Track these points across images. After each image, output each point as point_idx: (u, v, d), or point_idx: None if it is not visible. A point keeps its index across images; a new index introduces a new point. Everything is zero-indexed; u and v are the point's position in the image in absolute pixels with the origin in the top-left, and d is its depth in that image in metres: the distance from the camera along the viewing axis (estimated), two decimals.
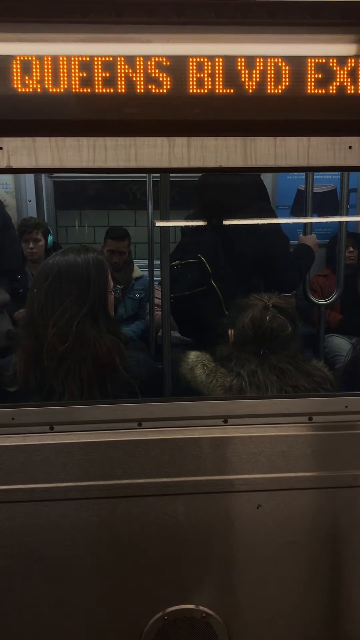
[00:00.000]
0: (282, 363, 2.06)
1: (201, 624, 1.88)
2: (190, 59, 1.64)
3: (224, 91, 1.66)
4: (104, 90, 1.63)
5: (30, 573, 1.81)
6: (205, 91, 1.66)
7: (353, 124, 1.72)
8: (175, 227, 4.05)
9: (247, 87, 1.67)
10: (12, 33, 1.60)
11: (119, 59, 1.61)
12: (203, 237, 3.29)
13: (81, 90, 1.63)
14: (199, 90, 1.65)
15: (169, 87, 1.65)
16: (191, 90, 1.65)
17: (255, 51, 1.66)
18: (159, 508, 1.82)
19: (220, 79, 1.65)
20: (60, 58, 1.60)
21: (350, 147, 1.72)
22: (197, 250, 3.24)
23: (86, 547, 1.82)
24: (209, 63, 1.65)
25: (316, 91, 1.67)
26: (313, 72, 1.67)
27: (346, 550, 1.89)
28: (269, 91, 1.67)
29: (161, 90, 1.65)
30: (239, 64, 1.66)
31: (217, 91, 1.66)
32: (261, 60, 1.66)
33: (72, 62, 1.60)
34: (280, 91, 1.67)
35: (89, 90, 1.63)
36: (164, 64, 1.64)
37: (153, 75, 1.63)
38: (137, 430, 1.79)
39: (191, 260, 3.27)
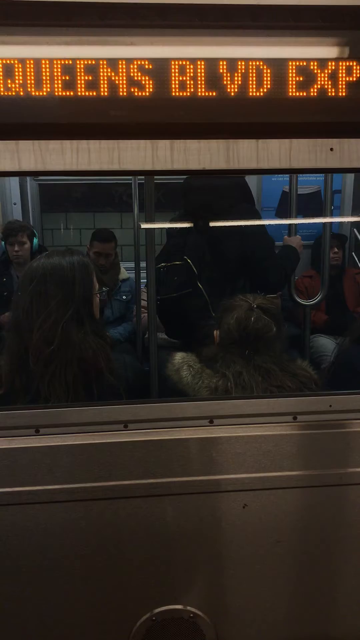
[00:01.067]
0: (267, 364, 2.07)
1: (189, 624, 1.89)
2: (173, 62, 1.65)
3: (206, 94, 1.67)
4: (87, 94, 1.64)
5: (18, 576, 1.80)
6: (188, 94, 1.67)
7: (334, 126, 1.74)
8: (161, 229, 4.07)
9: (229, 89, 1.68)
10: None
11: (101, 62, 1.62)
12: (188, 239, 3.30)
13: (64, 94, 1.64)
14: (181, 93, 1.66)
15: (151, 90, 1.65)
16: (174, 93, 1.66)
17: (237, 54, 1.68)
18: (146, 509, 1.82)
19: (202, 82, 1.66)
20: (43, 61, 1.61)
21: (331, 149, 1.74)
22: (183, 252, 3.25)
23: (73, 550, 1.82)
24: (191, 66, 1.67)
25: (297, 94, 1.69)
26: (294, 74, 1.68)
27: (332, 549, 1.91)
28: (250, 94, 1.69)
29: (144, 93, 1.65)
30: (221, 66, 1.67)
31: (199, 94, 1.67)
32: (243, 63, 1.67)
33: (55, 66, 1.60)
34: (262, 94, 1.69)
35: (71, 94, 1.64)
36: (147, 67, 1.65)
37: (135, 78, 1.64)
38: (123, 432, 1.79)
39: (177, 262, 3.28)
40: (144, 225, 3.05)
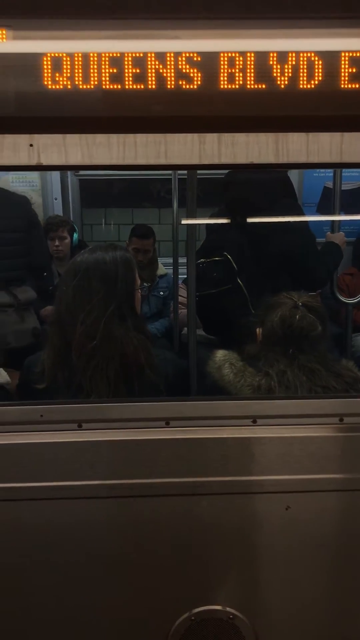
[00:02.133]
0: (312, 363, 2.03)
1: (228, 625, 1.86)
2: (222, 54, 1.62)
3: (256, 86, 1.64)
4: (134, 87, 1.62)
5: (56, 571, 1.80)
6: (237, 87, 1.64)
7: None
8: (199, 225, 4.03)
9: (279, 82, 1.64)
10: (43, 31, 1.60)
11: (149, 54, 1.59)
12: (229, 234, 3.26)
13: (111, 87, 1.62)
14: (230, 86, 1.63)
15: (199, 82, 1.63)
16: (222, 86, 1.63)
17: (287, 46, 1.64)
18: (186, 508, 1.80)
19: (252, 74, 1.63)
20: (91, 54, 1.60)
21: None
22: (223, 248, 3.21)
23: (113, 546, 1.81)
24: (241, 58, 1.63)
25: (350, 86, 1.64)
26: (347, 66, 1.63)
27: None
28: (301, 86, 1.65)
29: (192, 86, 1.63)
30: (271, 59, 1.64)
31: (248, 86, 1.64)
32: (293, 55, 1.63)
33: (103, 59, 1.59)
34: (313, 86, 1.64)
35: (119, 87, 1.62)
36: (195, 59, 1.62)
37: (184, 71, 1.62)
38: (164, 429, 1.77)
39: (217, 258, 3.24)
40: (184, 221, 3.03)
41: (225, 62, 1.62)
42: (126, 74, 1.61)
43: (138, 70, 1.61)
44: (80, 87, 1.61)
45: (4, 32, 1.62)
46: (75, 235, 5.24)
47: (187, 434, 1.77)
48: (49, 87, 1.61)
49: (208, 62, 1.62)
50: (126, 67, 1.60)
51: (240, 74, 1.63)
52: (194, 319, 2.94)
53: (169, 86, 1.62)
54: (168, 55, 1.61)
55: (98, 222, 5.92)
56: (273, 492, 1.80)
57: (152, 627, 1.87)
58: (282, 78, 1.63)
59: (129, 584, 1.85)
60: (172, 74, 1.62)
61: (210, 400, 1.81)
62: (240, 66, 1.63)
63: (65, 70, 1.60)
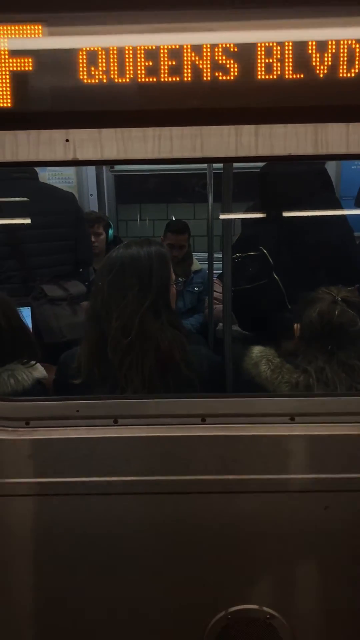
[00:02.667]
0: (352, 360, 1.98)
1: (265, 625, 1.84)
2: (259, 45, 1.58)
3: (294, 76, 1.60)
4: (170, 79, 1.60)
5: (92, 567, 1.81)
6: (274, 77, 1.61)
7: None
8: (234, 220, 4.00)
9: (318, 71, 1.60)
10: (78, 26, 1.59)
11: (185, 46, 1.57)
12: (265, 229, 3.22)
13: (147, 80, 1.61)
14: (267, 76, 1.60)
15: (236, 74, 1.60)
16: (259, 77, 1.60)
17: (327, 35, 1.59)
18: (222, 506, 1.78)
19: (290, 64, 1.59)
20: (126, 48, 1.58)
21: None
22: (259, 242, 3.17)
23: (149, 543, 1.80)
24: (278, 48, 1.60)
25: None
26: None
27: None
28: (341, 75, 1.60)
29: (228, 77, 1.60)
30: (310, 47, 1.59)
31: (286, 76, 1.60)
32: (333, 43, 1.59)
33: (138, 52, 1.57)
34: (353, 75, 1.60)
35: (154, 80, 1.60)
36: (232, 50, 1.59)
37: (220, 62, 1.59)
38: (200, 425, 1.75)
39: (252, 253, 3.20)
40: (222, 216, 3.00)
41: (263, 53, 1.58)
42: (162, 67, 1.59)
43: (174, 63, 1.59)
44: (116, 80, 1.60)
45: (39, 27, 1.62)
46: (111, 231, 5.25)
47: (223, 430, 1.75)
48: (85, 81, 1.60)
49: (245, 53, 1.59)
50: (162, 59, 1.59)
51: (278, 64, 1.60)
52: (229, 315, 2.92)
53: (205, 78, 1.60)
54: (204, 46, 1.58)
55: (133, 217, 5.92)
56: (311, 491, 1.76)
57: (188, 624, 1.86)
58: (321, 67, 1.59)
59: (164, 580, 1.84)
60: (208, 66, 1.59)
61: (246, 397, 1.78)
62: (278, 56, 1.59)
63: (100, 64, 1.59)
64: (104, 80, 1.61)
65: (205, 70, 1.60)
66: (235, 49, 1.59)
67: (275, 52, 1.60)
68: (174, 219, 5.31)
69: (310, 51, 1.59)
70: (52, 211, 3.55)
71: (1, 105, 1.62)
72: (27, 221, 3.45)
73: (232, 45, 1.59)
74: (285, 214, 3.06)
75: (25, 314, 2.80)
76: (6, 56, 1.61)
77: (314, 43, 1.59)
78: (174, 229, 5.00)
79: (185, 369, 2.08)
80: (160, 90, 1.61)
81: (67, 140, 1.63)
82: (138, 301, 2.06)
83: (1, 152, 1.64)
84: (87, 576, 1.81)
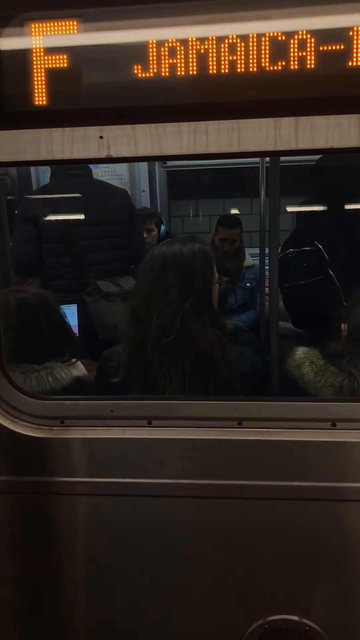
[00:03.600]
0: None
1: (304, 637, 1.77)
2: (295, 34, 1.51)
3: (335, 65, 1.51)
4: (204, 72, 1.55)
5: (126, 569, 1.79)
6: (312, 66, 1.53)
7: None
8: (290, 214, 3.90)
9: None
10: (113, 21, 1.56)
11: (210, 38, 1.52)
12: (320, 223, 3.10)
13: (180, 74, 1.56)
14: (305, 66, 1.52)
15: (271, 65, 1.53)
16: (292, 67, 1.52)
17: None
18: (260, 512, 1.72)
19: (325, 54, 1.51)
20: (156, 42, 1.54)
21: None
22: (314, 237, 3.06)
23: (184, 547, 1.77)
24: (310, 38, 1.52)
25: None
26: None
27: None
28: None
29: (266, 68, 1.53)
30: (351, 32, 1.50)
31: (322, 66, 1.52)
32: None
33: (167, 46, 1.53)
34: None
35: (187, 73, 1.56)
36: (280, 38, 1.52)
37: (255, 52, 1.52)
38: (237, 429, 1.70)
39: (307, 248, 3.10)
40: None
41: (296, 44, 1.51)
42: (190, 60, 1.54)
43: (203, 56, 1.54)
44: (148, 76, 1.56)
45: (74, 23, 1.60)
46: (163, 228, 5.25)
47: (260, 435, 1.69)
48: (119, 77, 1.58)
49: (281, 42, 1.52)
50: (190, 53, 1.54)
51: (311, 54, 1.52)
52: (276, 313, 2.83)
53: (239, 69, 1.54)
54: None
55: (186, 213, 5.89)
56: (355, 501, 1.68)
57: (224, 632, 1.82)
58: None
59: (199, 585, 1.80)
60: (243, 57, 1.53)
61: (285, 401, 1.72)
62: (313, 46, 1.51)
63: (132, 61, 1.56)
64: (138, 76, 1.57)
65: (239, 61, 1.54)
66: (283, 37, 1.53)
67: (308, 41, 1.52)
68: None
69: (351, 34, 1.50)
70: (106, 208, 3.56)
71: (37, 103, 1.62)
72: (84, 217, 3.49)
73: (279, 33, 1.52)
74: (342, 208, 2.93)
75: (71, 311, 2.82)
76: (41, 54, 1.60)
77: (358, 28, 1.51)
78: (226, 223, 4.94)
79: (226, 370, 2.04)
80: (194, 83, 1.57)
81: (101, 137, 1.61)
82: (180, 299, 2.03)
83: (36, 150, 1.63)
84: (118, 578, 1.79)
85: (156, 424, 1.73)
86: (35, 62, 1.60)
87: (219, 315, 2.15)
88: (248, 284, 5.02)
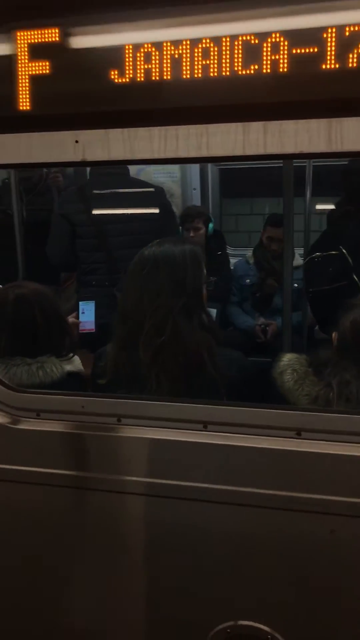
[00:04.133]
0: None
1: None
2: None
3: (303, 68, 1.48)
4: (172, 77, 1.56)
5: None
6: (284, 70, 1.50)
7: None
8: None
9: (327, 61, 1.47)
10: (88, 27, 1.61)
11: (184, 42, 1.53)
12: (347, 227, 3.03)
13: (154, 79, 1.58)
14: (274, 70, 1.50)
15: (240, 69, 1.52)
16: (265, 71, 1.51)
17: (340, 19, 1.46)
18: (221, 516, 1.73)
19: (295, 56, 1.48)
20: (127, 47, 1.57)
21: None
22: (340, 241, 2.99)
23: (147, 548, 1.80)
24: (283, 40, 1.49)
25: None
26: None
27: None
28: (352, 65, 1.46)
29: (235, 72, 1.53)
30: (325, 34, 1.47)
31: (292, 70, 1.49)
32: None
33: (138, 51, 1.55)
34: None
35: (160, 79, 1.57)
36: (236, 44, 1.51)
37: (221, 57, 1.52)
38: (201, 432, 1.71)
39: (333, 252, 3.04)
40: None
41: (269, 47, 1.49)
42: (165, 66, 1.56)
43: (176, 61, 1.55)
44: (120, 81, 1.59)
45: (56, 31, 1.66)
46: (211, 226, 5.25)
47: (223, 439, 1.69)
48: (92, 83, 1.62)
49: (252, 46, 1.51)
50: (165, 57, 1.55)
51: (283, 57, 1.49)
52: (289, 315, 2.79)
53: (212, 74, 1.54)
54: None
55: (240, 212, 5.85)
56: (316, 512, 1.65)
57: (189, 632, 1.83)
58: (331, 56, 1.46)
59: (167, 588, 1.82)
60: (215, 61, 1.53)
61: (251, 407, 1.70)
62: (284, 49, 1.49)
63: (105, 67, 1.59)
64: (113, 82, 1.61)
65: (212, 66, 1.54)
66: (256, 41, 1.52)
67: (281, 45, 1.50)
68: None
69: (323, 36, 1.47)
70: (139, 205, 3.62)
71: (20, 108, 1.69)
72: (117, 214, 3.56)
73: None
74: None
75: (89, 307, 2.89)
76: (25, 60, 1.67)
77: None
78: (274, 222, 4.88)
79: (213, 372, 2.04)
80: (162, 89, 1.58)
81: (76, 142, 1.66)
82: (172, 300, 2.05)
83: (17, 153, 1.70)
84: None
85: (125, 422, 1.76)
86: (19, 68, 1.67)
87: (209, 315, 2.15)
88: (295, 285, 4.94)
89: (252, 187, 5.62)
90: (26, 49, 1.66)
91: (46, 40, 1.65)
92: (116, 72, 1.60)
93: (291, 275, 2.79)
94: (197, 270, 2.08)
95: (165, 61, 1.57)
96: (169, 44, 1.57)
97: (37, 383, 2.06)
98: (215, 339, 2.11)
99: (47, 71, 1.67)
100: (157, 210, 3.67)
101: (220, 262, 5.23)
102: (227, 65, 1.54)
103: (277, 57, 1.52)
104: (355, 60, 1.47)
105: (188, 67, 1.56)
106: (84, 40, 1.63)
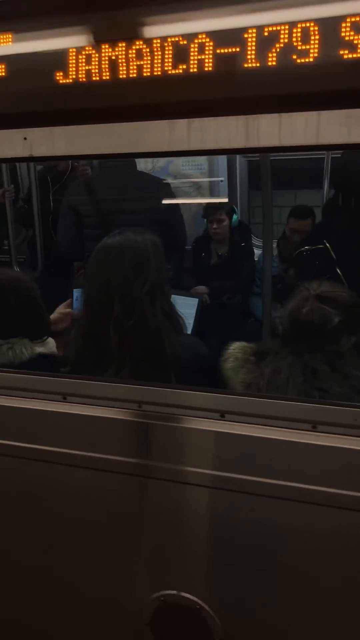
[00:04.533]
0: (317, 363, 1.84)
1: (194, 613, 1.86)
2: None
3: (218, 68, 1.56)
4: (110, 78, 1.67)
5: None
6: (206, 69, 1.59)
7: None
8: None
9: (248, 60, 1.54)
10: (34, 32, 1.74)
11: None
12: (333, 221, 3.05)
13: (94, 79, 1.69)
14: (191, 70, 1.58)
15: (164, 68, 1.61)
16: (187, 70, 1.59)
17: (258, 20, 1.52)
18: (155, 492, 1.83)
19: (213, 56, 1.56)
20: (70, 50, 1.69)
21: None
22: (324, 235, 3.02)
23: (84, 521, 1.93)
24: (209, 41, 1.57)
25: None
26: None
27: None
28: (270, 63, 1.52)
29: (156, 73, 1.62)
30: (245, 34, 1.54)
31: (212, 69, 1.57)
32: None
33: (80, 54, 1.67)
34: (276, 63, 1.51)
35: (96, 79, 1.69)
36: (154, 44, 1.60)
37: (147, 57, 1.62)
38: (137, 411, 1.82)
39: (320, 246, 3.07)
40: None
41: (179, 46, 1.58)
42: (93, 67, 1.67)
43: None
44: (61, 82, 1.72)
45: (10, 36, 1.80)
46: (235, 217, 5.30)
47: (155, 419, 1.80)
48: (36, 84, 1.75)
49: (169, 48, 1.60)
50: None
51: (207, 57, 1.57)
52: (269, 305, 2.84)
53: (132, 74, 1.64)
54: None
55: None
56: (236, 491, 1.73)
57: (129, 601, 1.96)
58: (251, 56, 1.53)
59: (106, 558, 1.95)
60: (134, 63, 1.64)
61: (181, 389, 1.80)
62: (208, 49, 1.57)
63: (48, 68, 1.72)
64: (57, 83, 1.73)
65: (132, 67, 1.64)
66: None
67: (207, 45, 1.58)
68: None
69: (235, 40, 1.54)
70: (144, 197, 3.73)
71: None
72: (122, 205, 3.69)
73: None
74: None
75: (76, 296, 3.03)
76: None
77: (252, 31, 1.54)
78: (297, 214, 4.90)
79: (169, 357, 2.15)
80: (101, 88, 1.69)
81: (25, 139, 1.80)
82: (137, 287, 2.16)
83: None
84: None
85: (70, 400, 1.90)
86: None
87: (170, 302, 2.25)
88: None
89: (280, 180, 5.60)
90: None
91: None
92: (61, 74, 1.73)
93: (270, 265, 2.83)
94: (159, 258, 2.18)
95: (103, 63, 1.69)
96: (107, 46, 1.68)
97: (6, 363, 2.22)
98: (174, 325, 2.21)
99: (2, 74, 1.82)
100: (162, 203, 3.77)
101: (245, 254, 5.29)
102: (158, 65, 1.64)
103: (202, 57, 1.61)
104: (273, 59, 1.54)
105: (124, 68, 1.67)
106: (32, 45, 1.75)
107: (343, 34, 1.46)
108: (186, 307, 2.98)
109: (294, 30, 1.49)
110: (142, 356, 2.16)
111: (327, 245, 2.94)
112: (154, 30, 1.63)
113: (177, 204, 4.17)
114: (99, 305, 2.22)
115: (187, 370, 2.11)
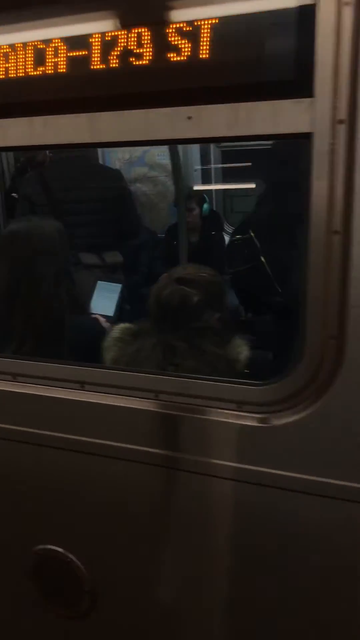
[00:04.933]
0: (175, 340, 2.00)
1: (66, 565, 2.05)
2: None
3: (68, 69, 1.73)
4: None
5: None
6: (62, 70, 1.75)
7: (190, 93, 1.63)
8: None
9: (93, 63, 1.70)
10: None
11: None
12: (262, 211, 3.19)
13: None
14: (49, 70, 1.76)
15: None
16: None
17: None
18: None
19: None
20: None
21: (189, 118, 1.63)
22: (251, 225, 3.17)
23: None
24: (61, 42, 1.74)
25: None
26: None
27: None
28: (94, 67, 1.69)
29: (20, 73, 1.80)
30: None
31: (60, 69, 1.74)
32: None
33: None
34: (104, 66, 1.68)
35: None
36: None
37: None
38: (12, 382, 2.02)
39: (245, 236, 3.21)
40: None
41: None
42: None
43: None
44: None
45: None
46: (206, 206, 5.44)
47: (31, 390, 1.98)
48: None
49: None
50: None
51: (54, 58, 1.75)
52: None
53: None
54: None
55: (243, 193, 5.97)
56: (97, 455, 1.91)
57: (16, 551, 2.17)
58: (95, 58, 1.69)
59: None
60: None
61: (48, 362, 1.98)
62: (53, 50, 1.74)
63: None
64: None
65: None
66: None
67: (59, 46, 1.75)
68: None
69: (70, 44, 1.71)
70: (96, 188, 3.86)
71: None
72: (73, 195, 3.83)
73: None
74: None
75: None
76: None
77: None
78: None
79: (67, 334, 2.34)
80: (22, 84, 1.84)
81: None
82: (45, 268, 2.36)
83: None
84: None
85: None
86: None
87: (73, 285, 2.44)
88: None
89: (251, 169, 5.72)
90: None
91: None
92: None
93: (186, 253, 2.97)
94: (64, 243, 2.37)
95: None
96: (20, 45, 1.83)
97: None
98: (76, 305, 2.41)
99: None
100: (114, 193, 3.89)
101: (215, 242, 5.43)
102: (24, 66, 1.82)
103: (56, 59, 1.78)
104: (115, 61, 1.70)
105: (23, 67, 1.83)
106: None
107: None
108: (110, 292, 3.16)
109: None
110: (42, 335, 2.36)
111: (252, 233, 3.07)
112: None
113: (129, 194, 4.27)
114: (4, 287, 2.42)
115: (81, 348, 2.30)
